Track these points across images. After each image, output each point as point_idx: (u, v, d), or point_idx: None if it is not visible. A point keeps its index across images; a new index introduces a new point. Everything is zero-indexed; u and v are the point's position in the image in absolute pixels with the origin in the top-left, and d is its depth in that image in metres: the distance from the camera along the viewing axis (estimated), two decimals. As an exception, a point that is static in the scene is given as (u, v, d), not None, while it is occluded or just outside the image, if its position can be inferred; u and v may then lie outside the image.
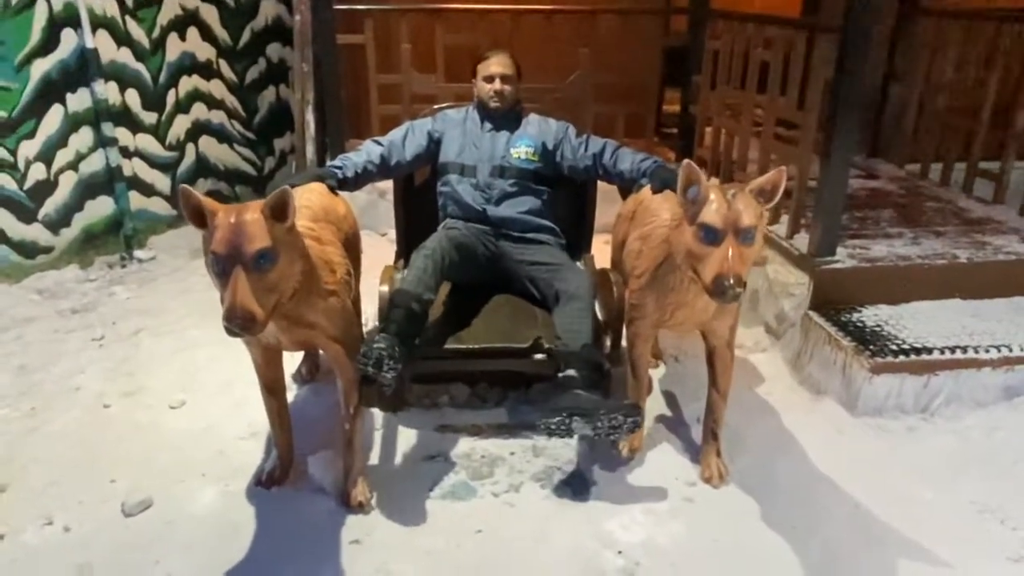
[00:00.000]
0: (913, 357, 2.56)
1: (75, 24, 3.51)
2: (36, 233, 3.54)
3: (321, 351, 2.21)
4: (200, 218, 1.71)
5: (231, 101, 4.42)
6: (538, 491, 2.23)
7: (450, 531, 2.08)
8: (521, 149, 2.58)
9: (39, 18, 3.40)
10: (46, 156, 3.52)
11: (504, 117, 2.62)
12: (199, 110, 4.24)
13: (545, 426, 2.05)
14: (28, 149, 3.45)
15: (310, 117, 4.10)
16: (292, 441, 2.28)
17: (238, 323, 1.62)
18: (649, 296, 2.16)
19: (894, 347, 2.60)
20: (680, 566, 1.97)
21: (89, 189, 3.71)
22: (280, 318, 1.86)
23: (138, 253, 3.86)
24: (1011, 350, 2.60)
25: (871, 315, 2.83)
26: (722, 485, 2.26)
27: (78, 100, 3.59)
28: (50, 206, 3.57)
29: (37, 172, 3.49)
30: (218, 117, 4.36)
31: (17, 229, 3.47)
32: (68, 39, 3.51)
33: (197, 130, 4.25)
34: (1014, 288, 2.96)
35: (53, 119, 3.52)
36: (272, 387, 2.18)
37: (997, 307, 2.89)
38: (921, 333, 2.69)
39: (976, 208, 3.52)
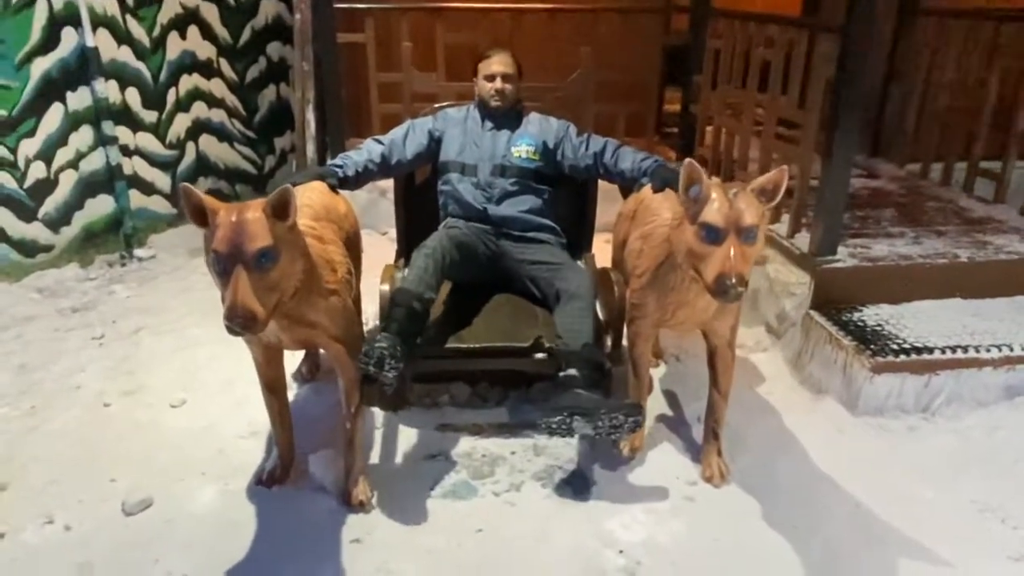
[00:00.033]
0: (914, 356, 2.56)
1: (75, 23, 3.51)
2: (36, 232, 3.54)
3: (322, 350, 2.21)
4: (201, 216, 1.70)
5: (231, 100, 4.42)
6: (539, 490, 2.23)
7: (451, 530, 2.07)
8: (522, 148, 2.57)
9: (39, 17, 3.39)
10: (46, 155, 3.52)
11: (505, 116, 2.61)
12: (199, 109, 4.24)
13: (546, 425, 2.05)
14: (28, 148, 3.44)
15: (310, 116, 4.10)
16: (293, 440, 2.28)
17: (239, 322, 1.62)
18: (650, 295, 2.16)
19: (895, 346, 2.60)
20: (681, 565, 1.97)
21: (89, 188, 3.71)
22: (281, 317, 1.86)
23: (138, 252, 3.86)
24: (1012, 349, 2.60)
25: (872, 314, 2.82)
26: (723, 484, 2.26)
27: (78, 99, 3.59)
28: (50, 205, 3.57)
29: (37, 171, 3.49)
30: (218, 116, 4.36)
31: (17, 228, 3.47)
32: (68, 37, 3.51)
33: (197, 129, 4.25)
34: (1015, 287, 2.96)
35: (53, 118, 3.51)
36: (273, 386, 2.18)
37: (998, 306, 2.89)
38: (922, 332, 2.69)
39: (977, 207, 3.52)
